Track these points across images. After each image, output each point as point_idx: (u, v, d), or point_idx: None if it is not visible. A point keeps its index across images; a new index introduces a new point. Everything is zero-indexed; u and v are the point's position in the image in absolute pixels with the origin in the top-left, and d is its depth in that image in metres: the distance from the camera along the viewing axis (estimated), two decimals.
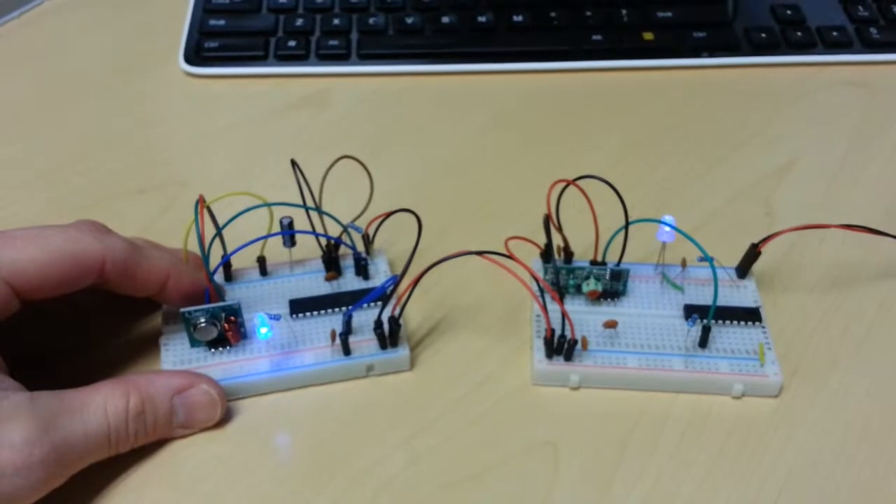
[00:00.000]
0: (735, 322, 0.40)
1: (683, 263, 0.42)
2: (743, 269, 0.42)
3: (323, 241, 0.41)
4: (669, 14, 0.59)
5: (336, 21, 0.58)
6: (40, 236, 0.34)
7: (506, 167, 0.50)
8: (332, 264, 0.42)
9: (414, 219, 0.38)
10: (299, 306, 0.40)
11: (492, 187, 0.49)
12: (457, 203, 0.48)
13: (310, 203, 0.40)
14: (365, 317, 0.40)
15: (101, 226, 0.37)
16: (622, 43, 0.57)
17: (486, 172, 0.50)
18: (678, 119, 0.53)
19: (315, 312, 0.40)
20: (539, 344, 0.39)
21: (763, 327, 0.40)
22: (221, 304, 0.38)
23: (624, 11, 0.59)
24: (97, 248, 0.35)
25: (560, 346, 0.39)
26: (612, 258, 0.41)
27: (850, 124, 0.53)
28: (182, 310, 0.37)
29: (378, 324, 0.38)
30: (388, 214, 0.40)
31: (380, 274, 0.42)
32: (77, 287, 0.35)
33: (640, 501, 0.35)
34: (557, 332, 0.38)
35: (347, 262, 0.42)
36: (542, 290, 0.37)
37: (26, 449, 0.31)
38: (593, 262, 0.41)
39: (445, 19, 0.58)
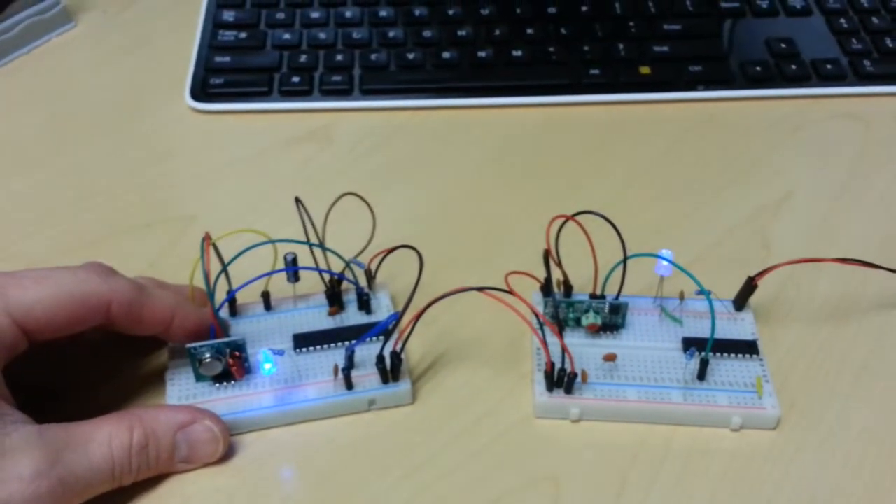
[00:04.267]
0: (733, 355, 0.41)
1: (681, 296, 0.43)
2: (740, 302, 0.43)
3: (326, 276, 0.42)
4: (666, 48, 0.60)
5: (339, 57, 0.59)
6: (49, 277, 0.35)
7: (506, 201, 0.51)
8: (335, 299, 0.43)
9: (415, 253, 0.39)
10: (303, 341, 0.41)
11: (492, 221, 0.49)
12: (458, 237, 0.48)
13: (313, 239, 0.40)
14: (367, 351, 0.40)
15: (108, 268, 0.38)
16: (619, 77, 0.58)
17: (487, 206, 0.51)
18: (675, 152, 0.54)
19: (318, 347, 0.41)
20: (539, 377, 0.40)
21: (761, 360, 0.41)
22: (226, 339, 0.38)
23: (621, 46, 0.60)
24: (104, 289, 0.36)
25: (560, 380, 0.39)
26: (610, 291, 0.41)
27: (845, 156, 0.53)
28: (187, 345, 0.38)
29: (380, 358, 0.39)
30: (390, 251, 0.40)
31: (382, 308, 0.43)
32: (84, 327, 0.36)
33: None
34: (557, 366, 0.39)
35: (350, 297, 0.43)
36: (541, 325, 0.38)
37: (35, 481, 0.32)
38: (592, 296, 0.42)
39: (446, 55, 0.59)
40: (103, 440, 0.34)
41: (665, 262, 0.40)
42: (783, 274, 0.43)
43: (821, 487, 0.37)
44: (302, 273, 0.42)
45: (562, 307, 0.42)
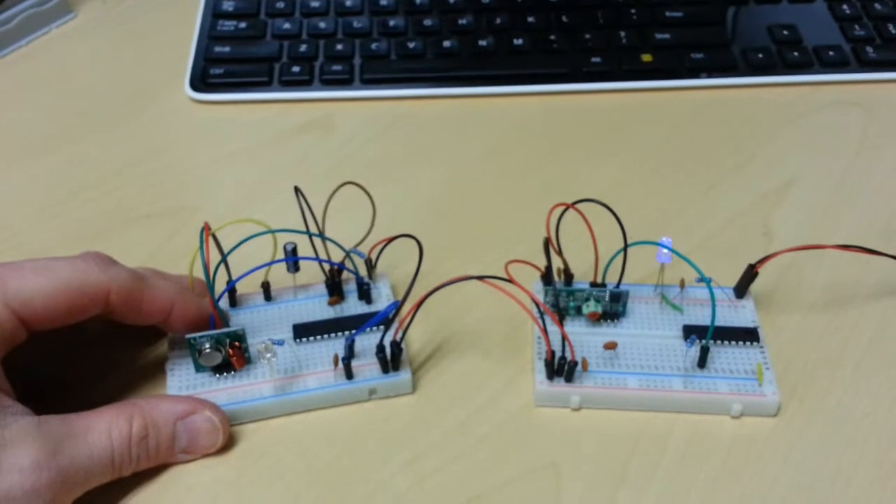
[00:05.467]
0: (733, 342, 0.41)
1: (682, 284, 0.43)
2: (741, 290, 0.43)
3: (326, 266, 0.42)
4: (668, 36, 0.59)
5: (339, 46, 0.59)
6: (48, 268, 0.35)
7: (506, 189, 0.51)
8: (335, 289, 0.43)
9: (415, 242, 0.39)
10: (303, 331, 0.41)
11: (493, 210, 0.49)
12: (458, 226, 0.48)
13: (313, 229, 0.40)
14: (367, 341, 0.40)
15: (107, 257, 0.38)
16: (621, 65, 0.58)
17: (487, 195, 0.50)
18: (677, 140, 0.54)
19: (318, 337, 0.41)
20: (540, 366, 0.40)
21: (761, 347, 0.41)
22: (226, 329, 0.38)
23: (623, 34, 0.59)
24: (103, 279, 0.36)
25: (561, 368, 0.39)
26: (611, 280, 0.41)
27: (848, 143, 0.53)
28: (187, 336, 0.38)
29: (380, 348, 0.39)
30: (390, 240, 0.40)
31: (382, 298, 0.43)
32: (83, 317, 0.36)
33: None
34: (558, 354, 0.39)
35: (350, 287, 0.43)
36: (542, 313, 0.38)
37: (35, 472, 0.32)
38: (593, 284, 0.42)
39: (447, 43, 0.59)
40: (103, 430, 0.34)
41: (665, 250, 0.40)
42: (785, 261, 0.43)
43: (821, 474, 0.37)
44: (302, 263, 0.42)
45: (562, 296, 0.42)
